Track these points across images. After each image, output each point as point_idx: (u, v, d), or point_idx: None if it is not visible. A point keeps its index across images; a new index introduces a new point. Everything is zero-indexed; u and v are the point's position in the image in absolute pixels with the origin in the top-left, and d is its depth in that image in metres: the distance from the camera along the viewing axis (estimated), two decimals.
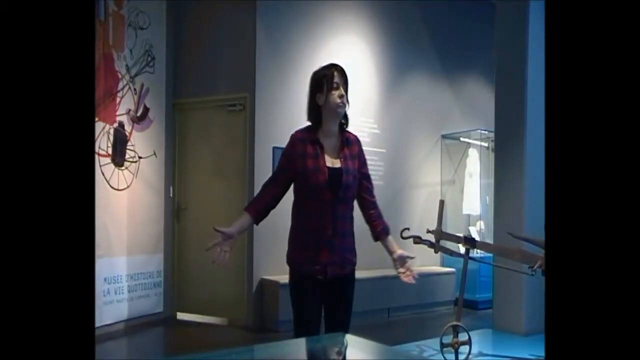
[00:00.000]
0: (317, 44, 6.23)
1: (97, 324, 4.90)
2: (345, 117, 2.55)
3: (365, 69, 6.77)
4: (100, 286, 5.05)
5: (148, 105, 5.74)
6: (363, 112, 6.66)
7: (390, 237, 2.61)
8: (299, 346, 1.92)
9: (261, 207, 2.58)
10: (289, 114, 5.85)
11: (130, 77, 5.53)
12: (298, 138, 2.52)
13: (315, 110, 2.51)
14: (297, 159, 2.47)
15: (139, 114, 5.64)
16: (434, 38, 7.49)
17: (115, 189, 5.29)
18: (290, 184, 2.57)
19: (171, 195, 6.08)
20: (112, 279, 5.25)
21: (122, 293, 5.38)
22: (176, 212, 6.14)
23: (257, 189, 5.58)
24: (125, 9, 5.47)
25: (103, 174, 5.14)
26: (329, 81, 2.46)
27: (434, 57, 7.51)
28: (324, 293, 2.46)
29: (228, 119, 5.89)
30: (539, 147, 4.90)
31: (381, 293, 6.10)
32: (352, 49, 6.59)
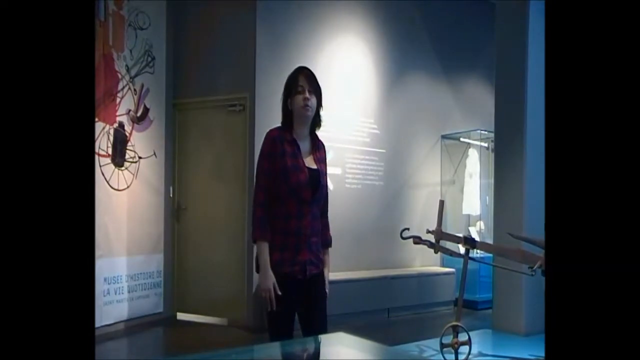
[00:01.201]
0: (317, 44, 6.23)
1: (97, 324, 4.90)
2: (317, 120, 2.57)
3: (365, 69, 6.77)
4: (100, 286, 5.05)
5: (148, 106, 5.74)
6: (363, 112, 6.66)
7: (328, 251, 2.66)
8: (299, 346, 1.92)
9: (269, 227, 2.46)
10: None
11: (130, 77, 5.53)
12: (275, 137, 2.48)
13: (286, 114, 2.54)
14: (277, 158, 2.44)
15: (139, 114, 5.64)
16: (434, 38, 7.50)
17: (115, 189, 5.29)
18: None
19: (171, 195, 6.08)
20: (112, 279, 5.26)
21: (122, 293, 5.38)
22: (176, 212, 6.14)
23: None
24: (125, 9, 5.47)
25: (103, 174, 5.14)
26: (294, 85, 2.50)
27: (434, 57, 7.51)
28: (302, 293, 2.46)
29: (228, 119, 5.89)
30: (539, 147, 4.90)
31: (381, 293, 6.10)
32: (352, 49, 6.59)
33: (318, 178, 2.49)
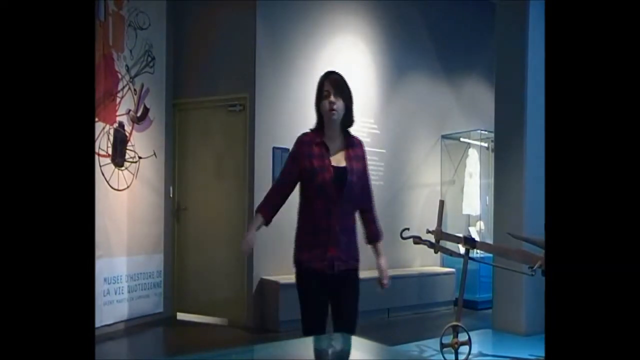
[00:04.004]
0: (317, 44, 6.23)
1: (97, 324, 4.90)
2: (348, 120, 2.66)
3: (365, 69, 6.77)
4: (100, 286, 5.04)
5: (148, 106, 5.74)
6: (363, 112, 6.66)
7: (380, 244, 2.79)
8: (299, 346, 1.92)
9: (271, 207, 2.70)
10: (289, 114, 5.85)
11: (130, 78, 5.53)
12: (304, 141, 2.65)
13: (318, 117, 2.68)
14: (303, 159, 2.60)
15: (139, 114, 5.64)
16: (434, 38, 7.49)
17: (115, 189, 5.29)
18: (296, 184, 2.68)
19: (171, 195, 6.08)
20: (112, 279, 5.25)
21: (122, 293, 5.38)
22: (176, 212, 6.13)
23: (257, 188, 5.71)
24: (125, 9, 5.46)
25: (103, 174, 5.14)
26: (321, 90, 2.65)
27: (434, 57, 7.51)
28: (331, 289, 2.58)
29: (228, 119, 5.89)
30: (539, 147, 4.90)
31: (381, 293, 6.09)
32: (352, 49, 6.59)
33: (345, 176, 2.57)
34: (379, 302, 6.15)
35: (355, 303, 2.67)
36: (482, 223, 7.53)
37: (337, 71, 2.74)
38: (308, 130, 2.71)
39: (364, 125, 6.63)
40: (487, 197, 7.46)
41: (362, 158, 2.70)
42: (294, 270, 2.73)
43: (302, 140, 2.67)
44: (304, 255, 2.62)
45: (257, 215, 2.71)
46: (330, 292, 2.60)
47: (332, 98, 2.59)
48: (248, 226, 2.71)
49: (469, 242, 3.96)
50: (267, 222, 2.72)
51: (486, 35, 7.25)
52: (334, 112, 2.58)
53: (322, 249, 2.56)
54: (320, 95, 2.64)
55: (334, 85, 2.63)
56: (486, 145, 7.63)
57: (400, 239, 3.82)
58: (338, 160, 2.61)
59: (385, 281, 2.73)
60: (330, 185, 2.54)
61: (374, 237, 2.77)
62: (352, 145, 2.68)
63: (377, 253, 2.77)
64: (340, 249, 2.57)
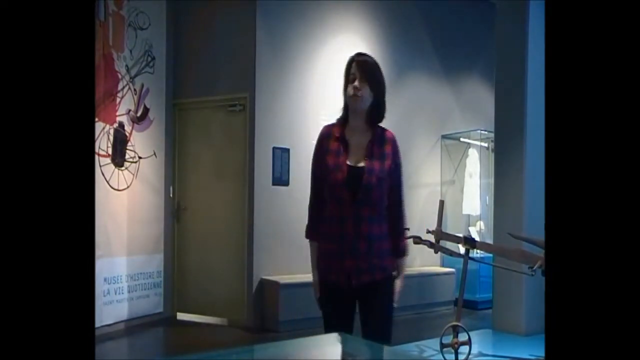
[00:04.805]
0: (317, 44, 6.23)
1: (97, 324, 4.90)
2: (377, 112, 2.33)
3: None
4: (100, 286, 5.04)
5: (148, 105, 5.74)
6: None
7: (401, 261, 2.43)
8: (299, 346, 1.92)
9: (317, 227, 2.39)
10: (289, 114, 5.85)
11: (130, 77, 5.53)
12: (324, 134, 2.36)
13: (344, 106, 2.37)
14: (321, 155, 2.32)
15: (139, 114, 5.64)
16: (434, 38, 7.49)
17: (115, 189, 5.29)
18: None
19: (171, 195, 6.08)
20: (112, 279, 5.25)
21: (122, 293, 5.38)
22: (176, 212, 6.13)
23: (257, 188, 5.71)
24: (125, 9, 5.46)
25: (103, 174, 5.14)
26: (346, 74, 2.31)
27: (434, 57, 7.51)
28: (354, 303, 2.32)
29: (228, 119, 5.89)
30: (539, 147, 4.90)
31: None
32: (352, 49, 6.53)
33: (360, 177, 2.24)
34: None
35: (383, 319, 2.35)
36: (482, 223, 7.53)
37: (367, 53, 2.38)
38: (332, 122, 2.39)
39: None
40: (487, 197, 7.46)
41: (390, 157, 2.33)
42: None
43: (323, 133, 2.36)
44: (321, 262, 2.35)
45: (311, 245, 2.41)
46: (353, 307, 2.32)
47: (356, 83, 2.25)
48: (313, 272, 2.39)
49: (469, 242, 3.96)
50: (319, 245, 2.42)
51: (486, 35, 7.25)
52: (357, 98, 2.25)
53: (337, 259, 2.27)
54: (346, 80, 2.30)
55: (361, 69, 2.27)
56: (486, 145, 7.63)
57: None
58: (357, 158, 2.27)
59: (396, 301, 2.42)
60: (342, 187, 2.23)
61: (394, 251, 2.38)
62: (380, 142, 2.33)
63: (398, 270, 2.41)
64: (358, 259, 2.24)
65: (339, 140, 2.30)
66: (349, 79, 2.29)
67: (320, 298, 2.38)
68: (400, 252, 2.41)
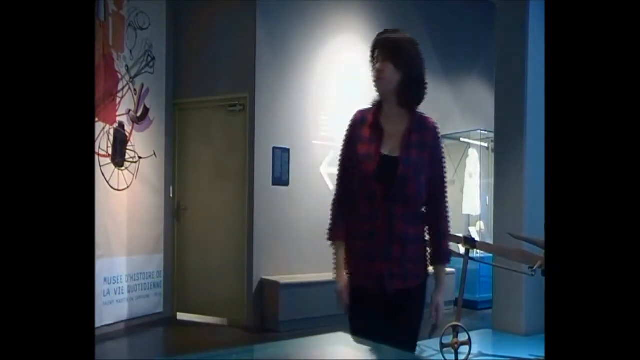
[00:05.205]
0: (317, 44, 6.23)
1: (97, 324, 4.89)
2: (413, 94, 2.06)
3: (365, 69, 6.74)
4: (100, 286, 5.04)
5: (148, 105, 5.74)
6: None
7: (441, 268, 2.12)
8: (299, 346, 1.92)
9: (346, 228, 2.11)
10: (289, 114, 5.85)
11: (130, 77, 5.53)
12: (356, 120, 2.11)
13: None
14: (353, 145, 2.06)
15: (139, 114, 5.64)
16: (434, 38, 7.49)
17: (115, 189, 5.29)
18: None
19: (171, 195, 6.08)
20: (112, 279, 5.25)
21: (122, 293, 5.38)
22: (176, 212, 6.13)
23: (257, 188, 5.71)
24: (125, 9, 5.46)
25: (103, 174, 5.14)
26: (371, 56, 2.09)
27: (434, 57, 7.51)
28: (382, 311, 2.02)
29: (228, 119, 5.89)
30: (539, 147, 4.90)
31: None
32: (352, 49, 6.59)
33: (395, 168, 1.97)
34: None
35: (412, 329, 2.08)
36: (482, 223, 7.53)
37: (398, 29, 2.12)
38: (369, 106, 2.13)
39: None
40: (487, 197, 7.46)
41: (429, 146, 2.05)
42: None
43: (355, 119, 2.11)
44: (350, 263, 2.07)
45: (336, 245, 2.11)
46: (381, 314, 2.02)
47: (378, 65, 2.03)
48: (337, 273, 2.08)
49: (469, 242, 3.97)
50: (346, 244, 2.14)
51: (486, 35, 7.25)
52: (380, 81, 2.02)
53: (367, 261, 2.01)
54: (372, 62, 2.08)
55: (383, 48, 2.03)
56: (486, 145, 7.63)
57: None
58: (392, 147, 2.00)
59: (436, 322, 2.08)
60: (373, 180, 1.96)
61: (433, 256, 2.10)
62: (418, 129, 2.06)
63: (435, 281, 2.11)
64: (391, 262, 1.98)
65: (372, 127, 2.04)
66: (372, 61, 2.08)
67: (348, 306, 2.07)
68: (440, 257, 2.10)
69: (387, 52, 2.03)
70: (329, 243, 2.14)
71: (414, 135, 2.04)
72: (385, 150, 2.00)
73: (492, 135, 6.32)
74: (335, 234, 2.12)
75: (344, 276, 2.06)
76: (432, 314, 2.07)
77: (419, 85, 2.07)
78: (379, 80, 2.04)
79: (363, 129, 2.06)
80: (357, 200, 2.03)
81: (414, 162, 2.00)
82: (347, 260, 2.08)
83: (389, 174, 1.96)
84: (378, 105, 2.09)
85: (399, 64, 2.01)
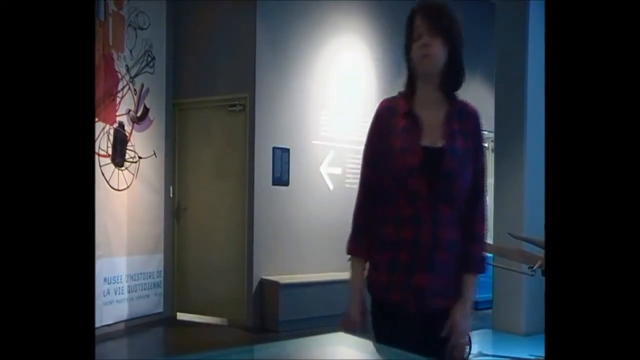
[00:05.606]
0: (317, 44, 6.23)
1: (97, 324, 4.90)
2: (454, 76, 1.78)
3: (365, 69, 6.76)
4: (100, 286, 5.04)
5: (148, 105, 5.74)
6: (363, 112, 6.65)
7: (470, 278, 1.78)
8: (299, 346, 1.92)
9: (368, 242, 1.82)
10: (289, 114, 5.85)
11: (130, 77, 5.53)
12: (384, 109, 1.83)
13: (408, 74, 1.84)
14: (384, 139, 1.76)
15: (139, 114, 5.64)
16: None
17: (115, 189, 5.29)
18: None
19: (171, 195, 6.08)
20: (112, 279, 5.25)
21: (122, 293, 5.38)
22: (176, 212, 6.14)
23: (257, 188, 5.71)
24: (125, 9, 5.46)
25: (103, 174, 5.14)
26: (409, 31, 1.78)
27: None
28: (420, 332, 1.72)
29: (228, 119, 5.89)
30: (539, 147, 4.90)
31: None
32: (352, 49, 6.59)
33: (440, 161, 1.69)
34: None
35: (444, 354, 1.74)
36: None
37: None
38: (393, 95, 1.87)
39: (364, 125, 6.62)
40: (487, 197, 7.45)
41: (473, 135, 1.77)
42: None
43: (383, 108, 1.83)
44: (379, 276, 1.76)
45: (354, 261, 1.82)
46: (418, 336, 1.71)
47: (425, 39, 1.71)
48: (352, 296, 1.80)
49: None
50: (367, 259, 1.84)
51: (486, 35, 7.25)
52: (427, 59, 1.71)
53: (405, 273, 1.70)
54: (410, 37, 1.77)
55: (429, 20, 1.72)
56: (486, 145, 7.63)
57: None
58: (433, 138, 1.72)
59: (454, 341, 1.75)
60: (416, 176, 1.68)
61: (465, 262, 1.75)
62: (460, 116, 1.77)
63: (459, 294, 1.77)
64: (433, 274, 1.69)
65: (407, 116, 1.76)
66: (412, 36, 1.75)
67: (374, 326, 1.79)
68: (472, 265, 1.77)
69: (434, 24, 1.72)
70: (347, 257, 1.85)
71: (456, 124, 1.75)
72: (425, 142, 1.72)
73: (492, 135, 6.32)
74: (356, 247, 1.82)
75: (358, 300, 1.80)
76: (450, 326, 1.74)
77: (462, 67, 1.79)
78: (425, 57, 1.71)
79: (395, 119, 1.76)
80: (392, 203, 1.73)
81: (460, 153, 1.72)
82: (373, 276, 1.79)
83: (434, 168, 1.69)
84: (409, 91, 1.82)
85: (447, 39, 1.73)
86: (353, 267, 1.83)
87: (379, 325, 1.77)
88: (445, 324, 1.73)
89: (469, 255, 1.76)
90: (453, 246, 1.72)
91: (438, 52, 1.72)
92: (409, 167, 1.69)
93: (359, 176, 1.89)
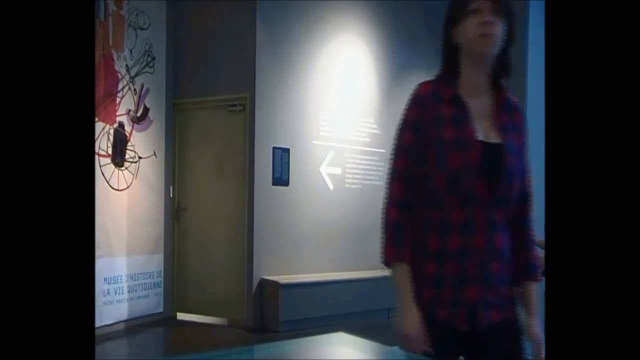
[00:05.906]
0: (317, 44, 6.23)
1: (97, 324, 4.90)
2: (503, 63, 1.56)
3: (365, 69, 6.77)
4: (100, 286, 5.04)
5: (148, 105, 5.74)
6: (363, 112, 6.66)
7: (531, 286, 1.61)
8: (299, 346, 1.92)
9: (410, 245, 1.56)
10: (289, 114, 5.85)
11: (130, 77, 5.53)
12: (425, 93, 1.56)
13: (450, 53, 1.58)
14: (428, 129, 1.52)
15: (139, 114, 5.64)
16: (434, 38, 7.48)
17: (115, 189, 5.29)
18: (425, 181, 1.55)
19: (171, 195, 6.08)
20: (112, 279, 5.25)
21: (122, 293, 5.38)
22: (176, 212, 6.14)
23: (257, 188, 5.71)
24: (125, 9, 5.46)
25: (103, 174, 5.14)
26: (463, 5, 1.53)
27: (434, 57, 7.48)
28: (472, 350, 1.56)
29: (228, 119, 5.89)
30: (539, 147, 4.91)
31: (381, 293, 6.09)
32: (352, 48, 6.59)
33: (500, 159, 1.50)
34: (379, 302, 6.15)
35: None
36: None
37: None
38: (430, 79, 1.61)
39: (364, 125, 6.64)
40: None
41: (521, 131, 1.63)
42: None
43: (423, 93, 1.56)
44: (426, 291, 1.54)
45: (398, 269, 1.55)
46: (472, 355, 1.56)
47: (488, 15, 1.47)
48: (404, 311, 1.54)
49: None
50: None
51: None
52: (488, 38, 1.47)
53: (454, 286, 1.50)
54: (459, 15, 1.54)
55: None
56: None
57: None
58: (485, 131, 1.52)
59: (538, 356, 1.60)
60: (475, 176, 1.47)
61: (523, 268, 1.59)
62: (507, 108, 1.58)
63: (526, 305, 1.60)
64: (488, 286, 1.51)
65: (456, 102, 1.52)
66: (465, 11, 1.51)
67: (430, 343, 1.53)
68: (531, 272, 1.61)
69: (498, 1, 1.50)
70: (386, 267, 1.60)
71: (505, 117, 1.57)
72: (480, 135, 1.51)
73: None
74: (398, 253, 1.55)
75: (416, 313, 1.52)
76: (534, 352, 1.59)
77: (510, 54, 1.57)
78: (486, 37, 1.47)
79: (440, 107, 1.52)
80: (436, 205, 1.52)
81: (516, 150, 1.55)
82: (421, 287, 1.55)
83: (494, 166, 1.48)
84: (451, 74, 1.56)
85: (506, 21, 1.50)
86: (398, 276, 1.55)
87: (431, 342, 1.53)
88: (512, 333, 1.58)
89: (528, 263, 1.60)
90: (505, 254, 1.55)
91: (498, 33, 1.49)
92: (464, 165, 1.46)
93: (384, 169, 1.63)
